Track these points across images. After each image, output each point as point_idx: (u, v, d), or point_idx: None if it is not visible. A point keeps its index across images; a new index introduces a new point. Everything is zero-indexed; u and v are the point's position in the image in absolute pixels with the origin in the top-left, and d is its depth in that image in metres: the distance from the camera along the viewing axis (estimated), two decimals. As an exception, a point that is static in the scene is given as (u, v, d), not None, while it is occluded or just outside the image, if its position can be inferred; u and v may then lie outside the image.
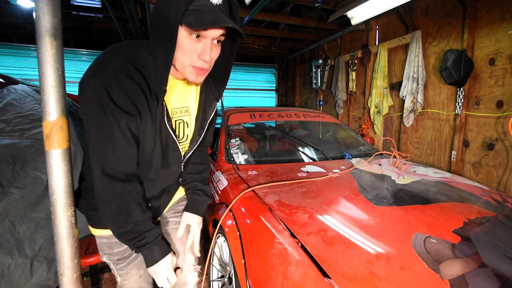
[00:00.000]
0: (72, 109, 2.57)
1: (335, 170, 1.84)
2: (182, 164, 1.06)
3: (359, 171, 1.86)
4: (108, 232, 0.99)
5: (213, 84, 0.99)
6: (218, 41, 0.82)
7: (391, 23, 3.61)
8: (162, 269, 0.91)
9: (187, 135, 1.02)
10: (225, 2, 0.77)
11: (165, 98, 0.87)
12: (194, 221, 1.09)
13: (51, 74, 0.72)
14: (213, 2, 0.74)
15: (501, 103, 2.44)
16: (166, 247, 0.94)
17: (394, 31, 3.55)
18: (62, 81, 0.75)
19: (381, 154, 2.37)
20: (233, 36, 0.86)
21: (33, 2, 3.06)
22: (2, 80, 2.46)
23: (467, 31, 2.64)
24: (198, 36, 0.77)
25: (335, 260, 0.95)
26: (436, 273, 0.89)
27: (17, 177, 1.68)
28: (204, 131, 1.05)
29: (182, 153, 1.02)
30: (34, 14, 0.71)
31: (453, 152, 2.84)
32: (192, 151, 1.05)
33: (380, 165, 2.03)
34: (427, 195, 1.46)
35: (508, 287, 0.86)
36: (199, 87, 1.01)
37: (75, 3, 3.77)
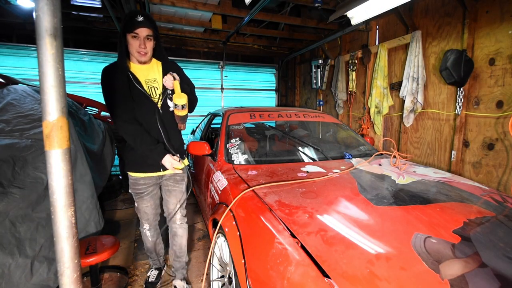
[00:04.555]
0: (72, 109, 2.57)
1: (335, 170, 1.84)
2: (160, 110, 1.72)
3: (359, 171, 1.86)
4: (134, 175, 1.80)
5: (167, 66, 1.77)
6: (149, 38, 1.60)
7: (391, 23, 3.61)
8: (167, 159, 1.67)
9: (158, 94, 1.73)
10: (145, 19, 1.54)
11: (136, 74, 1.66)
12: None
13: (51, 74, 0.72)
14: (138, 19, 1.53)
15: (501, 103, 2.44)
16: (165, 153, 1.68)
17: (394, 31, 3.55)
18: (62, 81, 0.74)
19: (381, 154, 2.37)
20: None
21: (33, 2, 3.06)
22: (2, 80, 2.46)
23: (467, 31, 2.64)
24: (135, 36, 1.56)
25: (335, 260, 0.95)
26: (436, 273, 0.89)
27: (17, 177, 1.68)
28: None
29: (159, 104, 1.72)
30: (34, 14, 0.71)
31: (453, 152, 2.84)
32: (163, 101, 1.74)
33: (380, 165, 2.03)
34: (427, 195, 1.46)
35: (508, 287, 0.86)
36: (160, 67, 1.76)
37: (75, 3, 3.76)
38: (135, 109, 1.66)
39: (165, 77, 1.63)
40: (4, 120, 1.90)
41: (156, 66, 1.75)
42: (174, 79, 1.63)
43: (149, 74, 1.72)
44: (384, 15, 3.57)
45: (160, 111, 1.72)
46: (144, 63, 1.69)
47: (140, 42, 1.57)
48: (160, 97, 1.72)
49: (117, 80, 1.60)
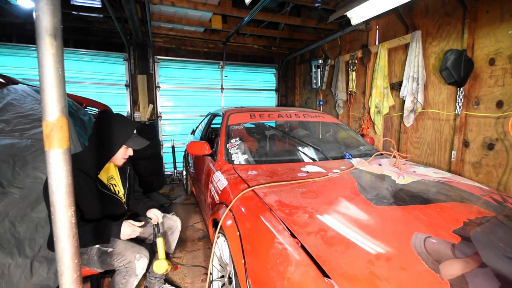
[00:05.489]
0: (72, 109, 2.57)
1: (335, 170, 1.84)
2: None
3: (359, 171, 1.86)
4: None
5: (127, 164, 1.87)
6: None
7: (391, 23, 3.61)
8: (125, 231, 1.53)
9: (117, 190, 1.79)
10: (136, 132, 1.71)
11: (101, 177, 1.68)
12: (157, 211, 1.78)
13: (51, 74, 0.72)
14: (135, 133, 1.69)
15: (501, 103, 2.44)
16: (118, 222, 1.54)
17: (394, 31, 3.55)
18: (62, 81, 0.74)
19: (381, 154, 2.37)
20: None
21: (33, 2, 3.06)
22: (2, 80, 2.46)
23: (467, 31, 2.64)
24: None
25: (335, 260, 0.95)
26: (436, 273, 0.89)
27: (17, 177, 1.68)
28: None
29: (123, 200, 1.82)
30: (34, 14, 0.71)
31: (453, 152, 2.84)
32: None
33: (380, 165, 2.03)
34: (427, 195, 1.46)
35: (508, 287, 0.85)
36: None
37: (75, 3, 3.76)
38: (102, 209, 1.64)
39: (152, 213, 1.75)
40: (4, 120, 1.90)
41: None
42: (158, 233, 1.66)
43: (109, 172, 1.77)
44: (384, 15, 3.57)
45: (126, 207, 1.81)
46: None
47: (129, 151, 1.72)
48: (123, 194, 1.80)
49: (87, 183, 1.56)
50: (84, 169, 1.55)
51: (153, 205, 1.85)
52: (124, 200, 1.80)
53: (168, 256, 1.92)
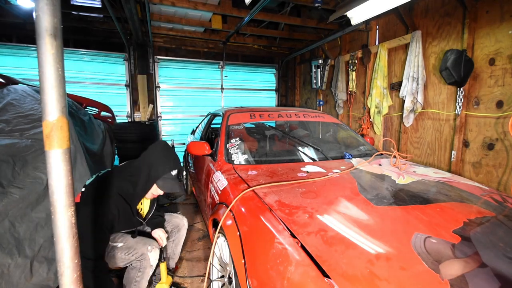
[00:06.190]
0: (72, 109, 2.57)
1: (335, 170, 1.84)
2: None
3: (359, 171, 1.86)
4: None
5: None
6: None
7: (391, 23, 3.61)
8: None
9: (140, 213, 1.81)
10: (176, 174, 1.64)
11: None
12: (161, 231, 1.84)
13: (51, 74, 0.72)
14: (172, 174, 1.61)
15: (501, 103, 2.44)
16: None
17: (394, 31, 3.55)
18: (62, 81, 0.74)
19: (381, 154, 2.37)
20: None
21: (33, 2, 3.06)
22: (2, 80, 2.46)
23: (467, 31, 2.64)
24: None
25: (335, 260, 0.95)
26: (436, 273, 0.89)
27: (17, 177, 1.67)
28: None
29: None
30: (34, 14, 0.71)
31: (453, 152, 2.84)
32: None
33: (380, 165, 2.03)
34: (427, 195, 1.46)
35: (508, 287, 0.85)
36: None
37: (75, 3, 3.76)
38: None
39: (157, 234, 1.79)
40: (4, 120, 1.90)
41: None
42: (162, 258, 1.73)
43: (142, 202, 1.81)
44: (384, 15, 3.57)
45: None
46: None
47: (159, 190, 1.67)
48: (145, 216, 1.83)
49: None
50: (126, 197, 1.60)
51: (160, 221, 1.87)
52: (143, 218, 1.83)
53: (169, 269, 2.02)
